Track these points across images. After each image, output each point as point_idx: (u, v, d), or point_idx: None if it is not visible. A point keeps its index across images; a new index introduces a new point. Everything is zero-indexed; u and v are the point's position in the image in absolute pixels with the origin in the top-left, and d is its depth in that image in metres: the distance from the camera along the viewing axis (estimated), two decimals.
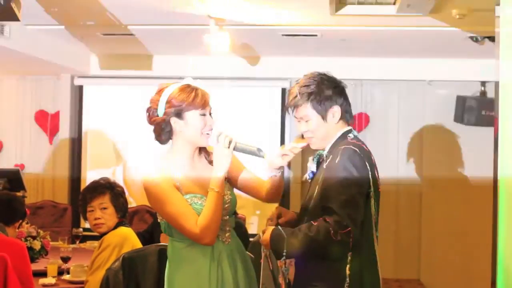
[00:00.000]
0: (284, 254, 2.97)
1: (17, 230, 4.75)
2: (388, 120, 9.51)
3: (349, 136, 3.15)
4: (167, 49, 8.94)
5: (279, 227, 3.06)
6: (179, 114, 3.11)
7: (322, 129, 3.13)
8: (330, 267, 3.01)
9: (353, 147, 3.03)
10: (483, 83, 9.18)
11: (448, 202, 9.36)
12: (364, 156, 3.05)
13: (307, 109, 3.11)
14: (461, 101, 9.19)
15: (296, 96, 3.11)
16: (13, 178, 7.53)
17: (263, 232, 3.09)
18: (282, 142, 9.41)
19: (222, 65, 8.70)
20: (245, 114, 9.26)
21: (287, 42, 8.13)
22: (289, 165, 3.24)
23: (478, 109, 9.15)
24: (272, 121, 9.45)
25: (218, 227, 3.07)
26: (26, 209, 4.88)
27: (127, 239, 4.32)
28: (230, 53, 7.71)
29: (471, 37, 7.45)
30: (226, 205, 3.17)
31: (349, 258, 2.96)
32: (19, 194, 7.97)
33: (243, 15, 6.88)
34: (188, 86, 3.17)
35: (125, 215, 4.51)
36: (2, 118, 9.94)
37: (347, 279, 2.97)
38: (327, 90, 3.12)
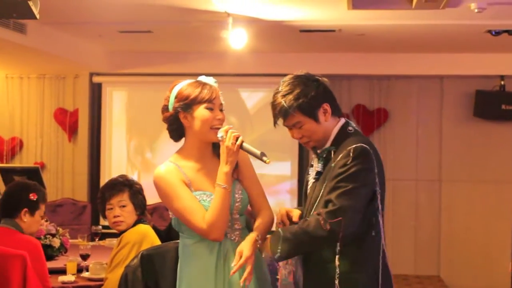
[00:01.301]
0: (279, 251, 2.96)
1: (25, 220, 4.52)
2: (407, 115, 9.48)
3: (349, 130, 3.10)
4: (185, 46, 8.94)
5: (279, 229, 3.05)
6: (186, 108, 3.12)
7: (316, 131, 3.07)
8: (320, 259, 3.00)
9: (365, 145, 2.97)
10: (502, 77, 9.12)
11: (467, 197, 9.31)
12: (374, 154, 3.00)
13: (297, 116, 3.04)
14: (480, 96, 9.14)
15: (282, 106, 3.03)
16: (33, 176, 7.55)
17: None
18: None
19: (240, 61, 8.69)
20: (264, 110, 9.25)
21: (304, 37, 8.10)
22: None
23: (498, 104, 9.10)
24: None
25: (226, 223, 3.06)
26: (31, 195, 4.60)
27: (146, 236, 4.32)
28: (248, 49, 7.71)
29: (490, 31, 7.40)
30: (237, 204, 3.15)
31: (338, 248, 2.91)
32: None
33: (260, 11, 6.87)
34: (197, 81, 3.19)
35: (144, 212, 4.51)
36: (22, 117, 9.99)
37: (337, 270, 2.93)
38: (311, 91, 3.04)
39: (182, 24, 7.52)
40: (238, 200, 3.16)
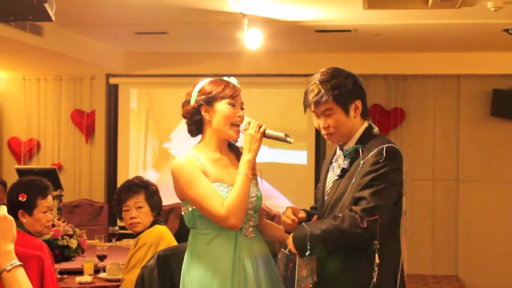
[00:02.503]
0: (308, 248, 2.94)
1: (24, 220, 4.39)
2: (424, 115, 9.44)
3: (374, 132, 3.11)
4: (201, 47, 8.95)
5: (303, 223, 3.03)
6: (209, 102, 3.16)
7: (344, 124, 3.07)
8: (356, 257, 2.98)
9: (395, 146, 3.01)
10: None
11: (485, 197, 9.26)
12: (402, 156, 3.03)
13: (330, 104, 3.05)
14: (497, 95, 9.09)
15: (319, 92, 3.05)
16: (50, 177, 7.59)
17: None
18: (317, 139, 9.38)
19: (255, 62, 8.68)
20: (279, 111, 9.24)
21: (320, 38, 8.09)
22: None
23: None
24: (306, 118, 9.41)
25: (244, 210, 3.08)
26: (20, 196, 4.48)
27: (163, 237, 4.33)
28: (263, 50, 7.70)
29: (506, 30, 7.35)
30: (252, 199, 3.17)
31: (378, 246, 2.90)
32: (56, 193, 8.09)
33: (276, 12, 6.86)
34: (221, 78, 3.25)
35: (160, 213, 4.52)
36: (39, 118, 10.05)
37: (375, 268, 2.92)
38: (348, 84, 3.07)
39: (197, 25, 7.53)
40: (253, 196, 3.18)
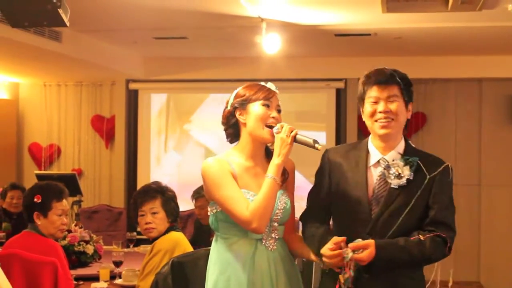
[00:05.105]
0: (381, 266, 2.91)
1: (39, 222, 4.39)
2: (445, 119, 9.37)
3: (412, 145, 3.14)
4: (220, 52, 8.94)
5: (384, 243, 2.92)
6: (242, 104, 3.17)
7: (402, 114, 3.04)
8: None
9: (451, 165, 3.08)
10: None
11: (508, 203, 9.16)
12: None
13: (397, 91, 3.03)
14: None
15: (392, 75, 3.02)
16: (70, 183, 7.61)
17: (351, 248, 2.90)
18: (338, 143, 9.33)
19: (274, 66, 8.64)
20: (300, 116, 9.20)
21: (340, 42, 8.04)
22: None
23: None
24: (327, 123, 9.38)
25: (269, 215, 3.05)
26: (35, 197, 4.55)
27: (179, 244, 4.29)
28: (282, 54, 7.67)
29: None
30: (278, 211, 3.13)
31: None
32: (76, 198, 8.11)
33: (294, 16, 6.83)
34: (257, 83, 3.26)
35: (176, 219, 4.47)
36: (59, 124, 10.09)
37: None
38: (411, 86, 3.10)
39: (216, 30, 7.52)
40: (280, 208, 3.14)
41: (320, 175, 3.22)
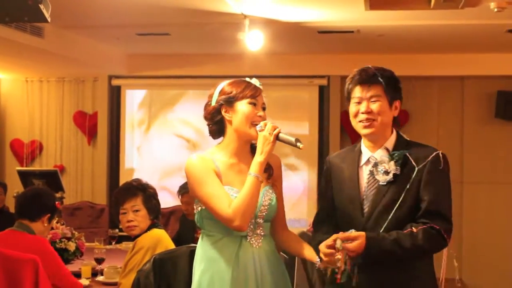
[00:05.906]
0: (374, 259, 2.92)
1: (45, 224, 4.58)
2: (427, 117, 9.39)
3: (406, 138, 3.13)
4: (202, 48, 8.92)
5: (375, 235, 2.93)
6: (229, 102, 3.15)
7: (385, 114, 3.06)
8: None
9: (444, 153, 3.05)
10: None
11: (490, 199, 9.20)
12: None
13: (380, 90, 3.05)
14: (502, 96, 9.03)
15: (374, 75, 3.04)
16: (52, 179, 7.58)
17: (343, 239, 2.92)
18: (321, 140, 9.34)
19: (257, 63, 8.63)
20: (283, 113, 9.19)
21: (323, 39, 8.04)
22: None
23: None
24: (310, 120, 9.38)
25: (252, 213, 3.04)
26: (56, 203, 4.74)
27: (160, 241, 4.28)
28: (265, 51, 7.66)
29: (510, 31, 7.31)
30: (262, 207, 3.13)
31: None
32: (58, 195, 8.06)
33: (277, 13, 6.83)
34: (243, 79, 3.23)
35: (157, 216, 4.47)
36: (41, 120, 10.03)
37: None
38: (398, 83, 3.13)
39: (199, 27, 7.50)
40: (265, 204, 3.14)
41: (323, 179, 3.28)
